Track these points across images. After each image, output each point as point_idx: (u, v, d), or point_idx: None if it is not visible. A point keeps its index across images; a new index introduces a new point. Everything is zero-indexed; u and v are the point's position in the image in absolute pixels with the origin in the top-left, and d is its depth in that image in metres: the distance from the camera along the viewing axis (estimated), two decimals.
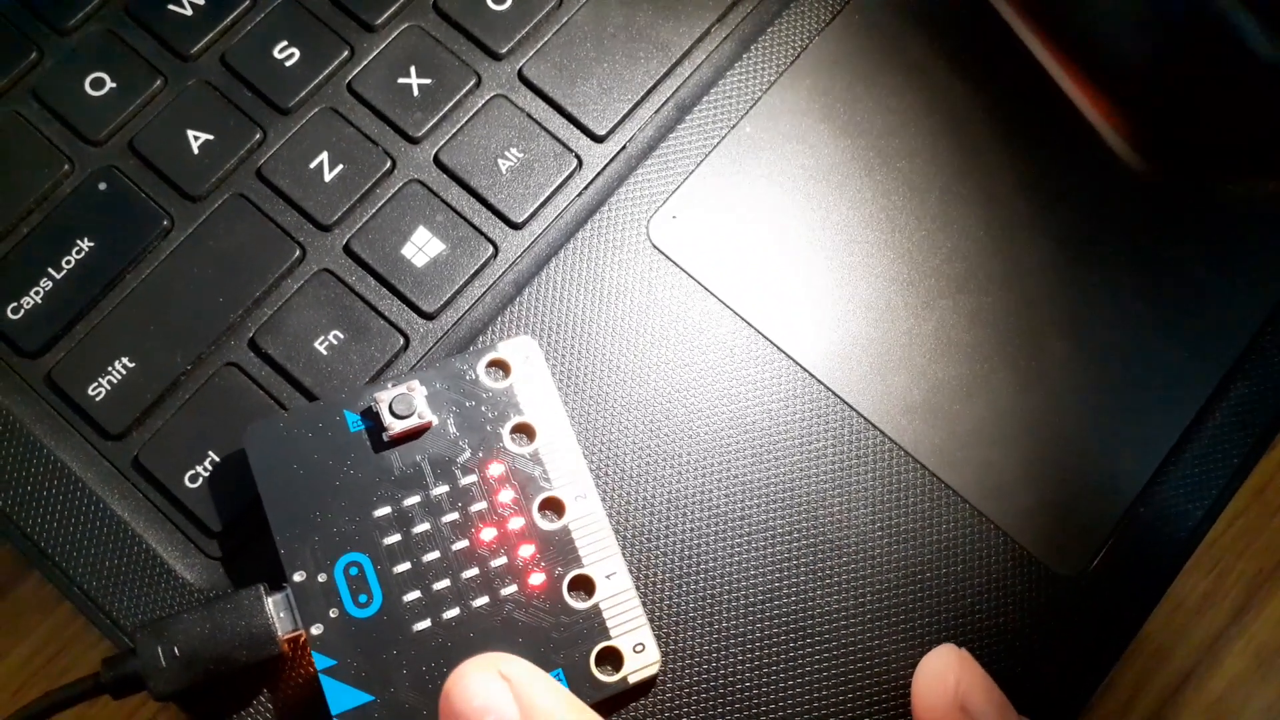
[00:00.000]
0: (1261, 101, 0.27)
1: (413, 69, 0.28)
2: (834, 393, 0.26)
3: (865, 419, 0.26)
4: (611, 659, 0.23)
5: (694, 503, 0.25)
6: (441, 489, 0.24)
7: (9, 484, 0.25)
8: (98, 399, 0.26)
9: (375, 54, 0.28)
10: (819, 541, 0.25)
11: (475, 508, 0.24)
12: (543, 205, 0.28)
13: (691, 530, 0.25)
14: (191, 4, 0.29)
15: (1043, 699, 0.24)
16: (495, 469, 0.24)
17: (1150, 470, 0.26)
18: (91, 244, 0.27)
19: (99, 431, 0.26)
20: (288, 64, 0.28)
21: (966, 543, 0.25)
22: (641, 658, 0.23)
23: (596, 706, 0.22)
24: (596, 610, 0.23)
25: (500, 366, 0.25)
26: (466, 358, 0.25)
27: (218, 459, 0.25)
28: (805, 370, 0.26)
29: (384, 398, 0.24)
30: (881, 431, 0.26)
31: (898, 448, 0.26)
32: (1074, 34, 0.28)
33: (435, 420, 0.24)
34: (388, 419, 0.24)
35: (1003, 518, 0.25)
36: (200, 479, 0.25)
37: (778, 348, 0.26)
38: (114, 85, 0.28)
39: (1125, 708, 0.27)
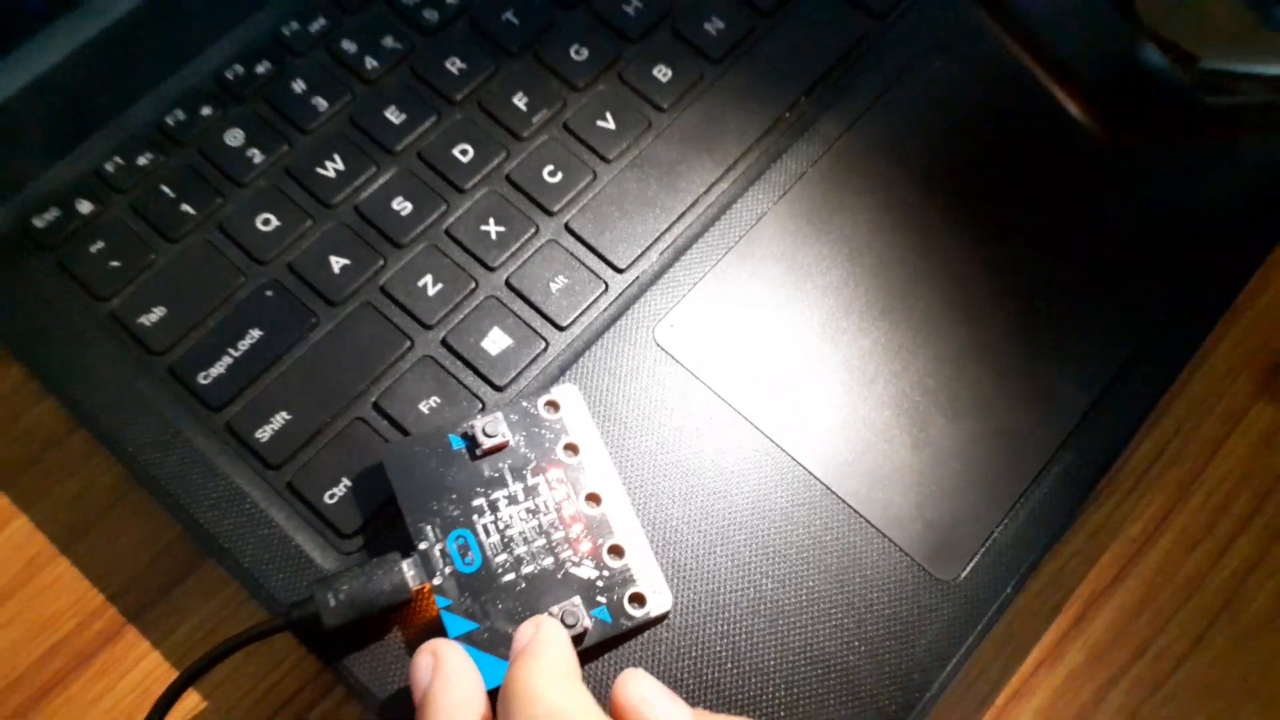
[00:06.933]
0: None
1: (491, 220, 0.40)
2: (785, 451, 0.36)
3: (808, 470, 0.36)
4: (638, 600, 0.33)
5: (688, 522, 0.35)
6: (517, 486, 0.34)
7: (199, 499, 0.35)
8: (263, 440, 0.36)
9: (464, 209, 0.40)
10: (773, 554, 0.35)
11: (541, 499, 0.34)
12: (580, 314, 0.39)
13: (689, 542, 0.35)
14: (335, 170, 0.41)
15: (921, 673, 0.34)
16: (554, 473, 0.34)
17: (1008, 506, 0.36)
18: (260, 333, 0.38)
19: (263, 463, 0.36)
20: (403, 213, 0.40)
21: (872, 556, 0.35)
22: (660, 598, 0.33)
23: (630, 632, 0.32)
24: (627, 567, 0.33)
25: (553, 405, 0.35)
26: (532, 399, 0.35)
27: (350, 483, 0.36)
28: (766, 436, 0.37)
29: (477, 424, 0.34)
30: (819, 479, 0.36)
31: (828, 490, 0.36)
32: None
33: (512, 440, 0.34)
34: (480, 438, 0.34)
35: (900, 538, 0.35)
36: (336, 497, 0.35)
37: (748, 420, 0.37)
38: (279, 223, 0.40)
39: (995, 686, 0.36)
